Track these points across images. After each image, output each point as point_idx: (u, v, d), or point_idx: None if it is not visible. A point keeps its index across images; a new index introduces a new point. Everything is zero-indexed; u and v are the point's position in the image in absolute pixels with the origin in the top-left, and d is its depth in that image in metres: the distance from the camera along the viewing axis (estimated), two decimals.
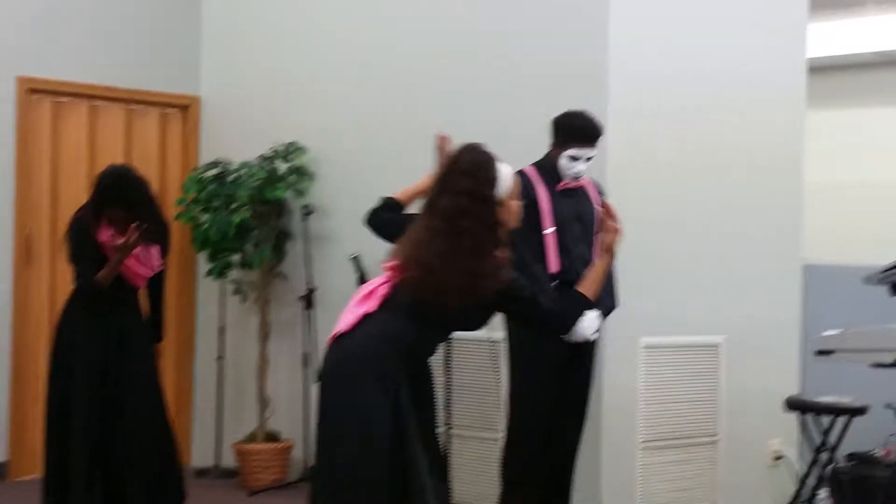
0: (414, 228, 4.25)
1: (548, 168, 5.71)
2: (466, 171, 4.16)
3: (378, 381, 3.96)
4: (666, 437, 6.59)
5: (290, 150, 7.60)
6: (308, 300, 7.39)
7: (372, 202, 7.18)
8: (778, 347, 7.11)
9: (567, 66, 6.52)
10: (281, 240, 7.78)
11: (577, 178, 5.67)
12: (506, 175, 4.20)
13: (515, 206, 4.29)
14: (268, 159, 7.59)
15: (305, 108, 7.83)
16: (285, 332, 7.77)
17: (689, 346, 6.73)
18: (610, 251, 4.41)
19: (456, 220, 4.03)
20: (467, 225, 4.02)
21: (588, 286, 4.37)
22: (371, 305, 4.09)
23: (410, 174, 6.77)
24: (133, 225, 5.88)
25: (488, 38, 6.93)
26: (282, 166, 7.58)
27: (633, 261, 5.94)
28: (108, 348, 6.07)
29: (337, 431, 4.02)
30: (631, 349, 6.38)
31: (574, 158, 5.62)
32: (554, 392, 5.65)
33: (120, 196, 6.04)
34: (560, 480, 5.85)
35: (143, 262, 6.09)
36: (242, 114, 8.21)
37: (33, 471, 6.96)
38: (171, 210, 7.58)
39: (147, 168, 7.48)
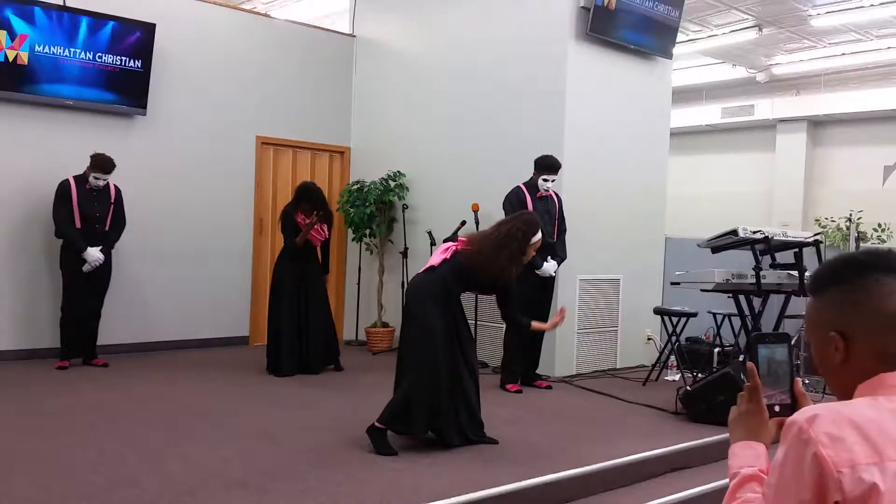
0: (486, 230, 4.47)
1: (531, 185, 5.84)
2: (525, 221, 4.35)
3: (437, 302, 4.17)
4: (591, 327, 6.66)
5: (396, 174, 7.54)
6: (405, 254, 7.37)
7: (439, 202, 7.37)
8: (651, 281, 7.14)
9: (543, 130, 6.47)
10: (391, 222, 7.69)
11: (547, 190, 5.83)
12: (538, 237, 4.37)
13: (533, 252, 4.39)
14: (384, 179, 7.51)
15: (405, 150, 7.65)
16: (393, 270, 7.62)
17: (603, 279, 6.76)
18: (553, 327, 4.57)
19: (507, 239, 4.22)
20: (511, 245, 4.20)
21: (535, 325, 4.48)
22: (446, 256, 4.30)
23: (462, 187, 7.04)
24: (314, 213, 6.11)
25: (502, 118, 6.81)
26: (392, 183, 7.49)
27: (576, 233, 6.13)
28: (300, 277, 6.19)
29: (413, 325, 4.20)
30: (573, 281, 6.47)
31: (545, 180, 5.81)
32: (532, 303, 5.67)
33: (308, 197, 6.20)
34: (535, 350, 5.97)
35: (319, 233, 6.23)
36: (372, 154, 7.97)
37: (262, 340, 6.92)
38: (334, 206, 7.55)
39: (322, 184, 7.46)
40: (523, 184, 5.89)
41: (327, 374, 6.30)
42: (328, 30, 8.44)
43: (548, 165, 5.83)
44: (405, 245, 7.46)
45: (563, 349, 6.48)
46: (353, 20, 8.36)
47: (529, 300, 5.70)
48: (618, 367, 6.85)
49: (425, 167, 7.56)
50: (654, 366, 6.35)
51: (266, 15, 8.38)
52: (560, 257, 5.92)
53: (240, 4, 9.04)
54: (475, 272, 4.21)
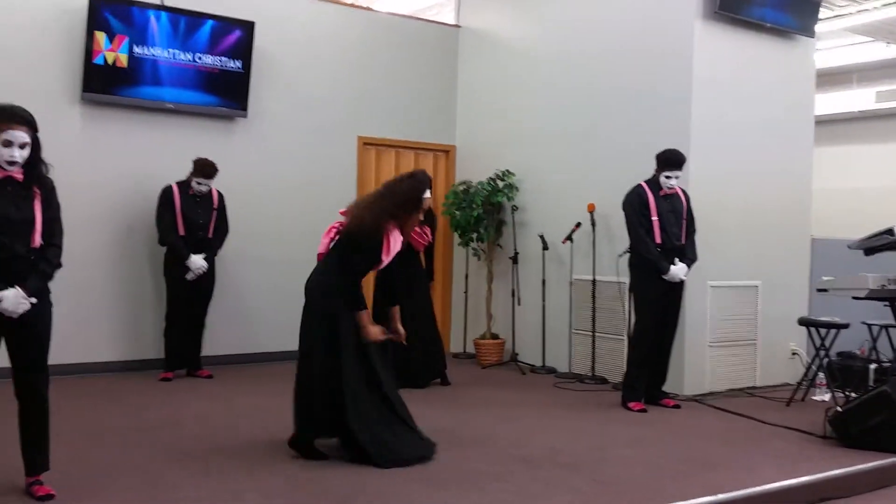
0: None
1: (653, 183, 5.78)
2: (412, 174, 4.43)
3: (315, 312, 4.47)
4: (726, 340, 6.50)
5: (505, 174, 7.54)
6: (515, 259, 7.37)
7: (551, 203, 7.30)
8: (794, 288, 6.93)
9: (667, 121, 6.36)
10: (499, 225, 7.69)
11: (671, 188, 5.75)
12: (427, 195, 4.34)
13: (420, 215, 4.34)
14: (492, 179, 7.53)
15: (514, 147, 7.67)
16: (502, 277, 7.63)
17: (739, 286, 6.57)
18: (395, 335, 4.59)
19: (383, 193, 4.33)
20: (388, 197, 4.27)
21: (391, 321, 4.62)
22: (331, 236, 4.51)
23: (577, 186, 7.01)
24: None
25: (621, 110, 6.72)
26: (500, 183, 7.51)
27: (705, 233, 6.03)
28: (403, 284, 5.79)
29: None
30: (703, 287, 6.31)
31: (668, 177, 5.72)
32: (658, 312, 5.71)
33: None
34: (661, 365, 5.89)
35: (421, 236, 6.27)
36: (478, 153, 8.05)
37: None
38: (439, 208, 7.59)
39: None
40: (645, 181, 5.84)
41: (433, 388, 6.36)
42: (432, 21, 8.59)
43: (671, 160, 5.76)
44: (515, 250, 7.46)
45: (694, 365, 6.35)
46: (458, 10, 8.50)
47: (657, 306, 5.72)
48: (757, 385, 6.68)
49: (536, 165, 7.55)
50: (799, 384, 6.16)
51: (368, 8, 8.57)
52: (689, 259, 5.83)
53: None
54: (350, 241, 4.21)
